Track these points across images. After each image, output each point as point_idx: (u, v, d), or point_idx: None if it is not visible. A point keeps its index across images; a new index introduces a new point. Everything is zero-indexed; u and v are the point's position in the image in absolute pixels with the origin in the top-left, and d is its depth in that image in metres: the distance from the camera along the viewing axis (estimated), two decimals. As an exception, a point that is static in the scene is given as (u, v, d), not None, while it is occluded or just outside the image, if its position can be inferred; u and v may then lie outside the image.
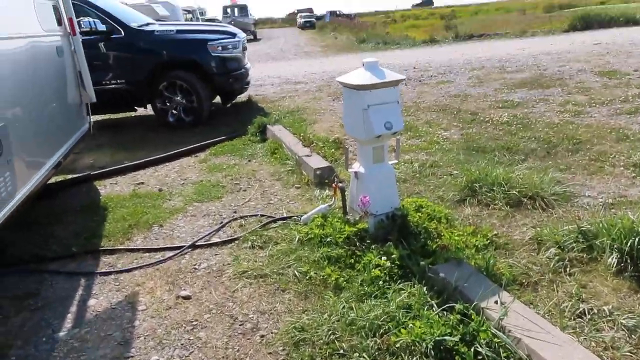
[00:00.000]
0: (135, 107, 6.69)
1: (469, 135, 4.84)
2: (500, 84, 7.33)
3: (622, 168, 3.61)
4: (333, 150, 4.64)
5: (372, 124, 2.54)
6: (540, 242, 2.62)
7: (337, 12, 53.83)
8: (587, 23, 17.20)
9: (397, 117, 2.60)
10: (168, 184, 4.26)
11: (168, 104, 6.26)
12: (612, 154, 3.90)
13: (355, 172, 2.78)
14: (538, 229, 2.77)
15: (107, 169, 4.66)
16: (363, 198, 2.62)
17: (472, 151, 4.34)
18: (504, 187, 3.23)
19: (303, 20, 46.90)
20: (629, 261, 2.24)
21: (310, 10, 55.22)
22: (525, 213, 3.03)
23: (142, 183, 4.32)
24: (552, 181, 3.31)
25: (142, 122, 7.02)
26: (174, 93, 6.21)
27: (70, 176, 4.52)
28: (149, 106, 6.53)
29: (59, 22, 3.69)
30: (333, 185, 2.95)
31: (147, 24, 6.53)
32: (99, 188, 4.28)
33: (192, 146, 5.25)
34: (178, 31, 6.37)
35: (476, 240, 2.63)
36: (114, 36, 5.97)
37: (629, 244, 2.25)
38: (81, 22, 5.09)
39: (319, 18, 48.83)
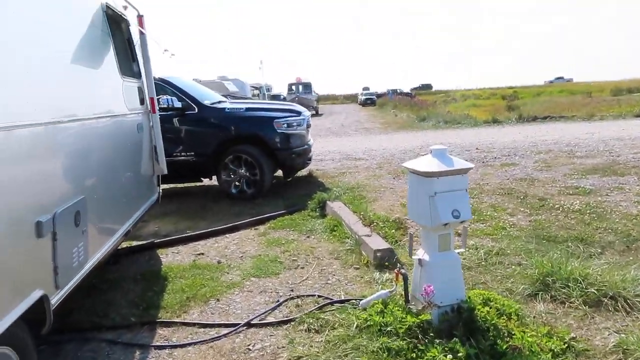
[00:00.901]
0: (202, 178, 6.97)
1: (537, 222, 4.60)
2: (569, 169, 7.06)
3: None
4: (394, 230, 4.55)
5: (439, 212, 2.46)
6: (626, 351, 2.35)
7: (398, 91, 55.32)
8: (660, 108, 16.58)
9: (465, 205, 2.52)
10: (227, 256, 4.29)
11: (232, 176, 6.48)
12: (703, 252, 3.55)
13: (420, 260, 2.68)
14: (623, 335, 2.50)
15: (170, 238, 4.78)
16: (427, 287, 2.50)
17: (542, 240, 4.11)
18: (580, 283, 2.99)
19: (364, 97, 48.53)
20: None
21: (367, 88, 57.33)
22: (606, 315, 2.77)
23: (202, 254, 4.38)
24: (635, 280, 3.03)
25: (205, 192, 7.26)
26: (239, 166, 6.43)
27: (134, 243, 4.67)
28: (213, 177, 6.79)
29: (142, 101, 3.99)
30: (395, 270, 2.84)
31: (219, 102, 6.95)
32: (160, 256, 4.38)
33: (252, 219, 5.33)
34: (247, 109, 6.71)
35: (552, 344, 2.40)
36: (188, 112, 6.38)
37: None
38: (160, 99, 5.49)
39: (379, 95, 50.27)
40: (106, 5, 3.46)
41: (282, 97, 34.17)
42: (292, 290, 3.45)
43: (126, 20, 3.86)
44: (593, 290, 2.92)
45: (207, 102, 6.62)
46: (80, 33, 2.90)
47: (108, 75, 3.34)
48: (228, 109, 6.65)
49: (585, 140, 10.20)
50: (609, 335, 2.56)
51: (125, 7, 3.82)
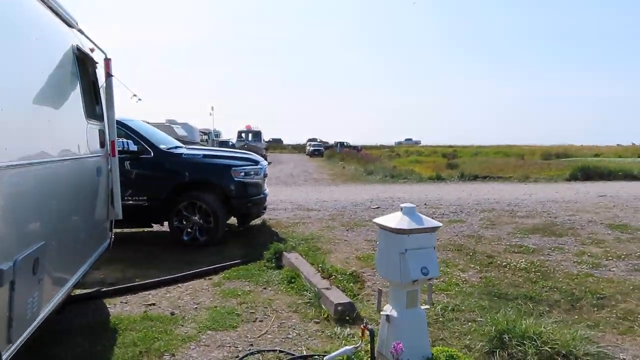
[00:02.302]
0: (152, 224, 6.75)
1: (488, 280, 4.77)
2: (512, 227, 7.42)
3: (653, 330, 3.50)
4: (352, 284, 4.57)
5: (409, 269, 2.53)
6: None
7: (345, 144, 56.73)
8: (587, 174, 17.92)
9: (434, 262, 2.61)
10: (181, 307, 4.12)
11: (185, 223, 6.32)
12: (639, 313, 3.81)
13: (387, 316, 2.70)
14: (579, 393, 2.60)
15: (119, 287, 4.55)
16: (396, 345, 2.51)
17: (494, 297, 4.25)
18: (535, 341, 3.09)
19: (312, 148, 49.32)
20: None
21: (314, 139, 58.83)
22: (553, 375, 2.87)
23: (154, 304, 4.19)
24: (583, 339, 3.18)
25: (154, 239, 7.02)
26: (193, 212, 6.30)
27: (78, 291, 4.40)
28: (164, 223, 6.60)
29: (102, 144, 3.89)
30: (362, 326, 2.84)
31: (176, 147, 6.87)
32: (108, 306, 4.14)
33: (206, 268, 5.19)
34: (205, 155, 6.67)
35: (515, 402, 2.46)
36: (143, 156, 6.25)
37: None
38: (115, 143, 5.36)
39: (327, 147, 51.28)
40: (77, 47, 3.42)
41: (230, 143, 34.12)
42: (251, 345, 3.35)
43: (93, 63, 3.81)
44: (547, 349, 3.02)
45: (163, 147, 6.52)
46: (50, 73, 2.83)
47: (74, 116, 3.25)
48: (185, 154, 6.58)
49: (524, 201, 10.81)
50: (564, 393, 2.65)
51: (92, 50, 3.79)
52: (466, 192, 13.09)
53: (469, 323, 3.66)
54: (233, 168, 6.50)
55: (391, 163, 30.63)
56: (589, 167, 18.50)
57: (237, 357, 3.14)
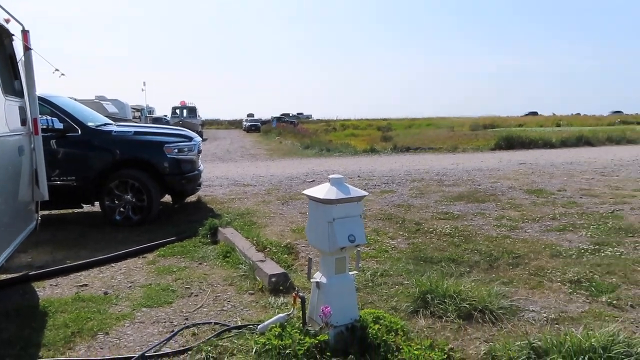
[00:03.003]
0: (82, 204, 6.52)
1: (415, 245, 5.05)
2: (439, 196, 7.82)
3: (559, 284, 3.87)
4: (286, 255, 4.68)
5: (337, 237, 2.65)
6: (494, 357, 2.70)
7: (282, 118, 56.40)
8: (510, 143, 19.05)
9: (360, 230, 2.74)
10: (114, 286, 4.07)
11: (117, 202, 6.16)
12: (549, 269, 4.19)
13: (317, 282, 2.83)
14: (491, 343, 2.87)
15: (48, 269, 4.40)
16: (325, 309, 2.65)
17: (420, 261, 4.52)
18: (455, 299, 3.36)
19: (249, 123, 48.75)
20: (579, 378, 2.36)
21: (251, 115, 58.14)
22: (476, 326, 3.14)
23: (86, 285, 4.11)
24: (498, 295, 3.48)
25: (85, 219, 6.79)
26: (125, 191, 6.15)
27: (4, 276, 4.23)
28: (96, 203, 6.40)
29: (23, 122, 3.70)
30: (293, 294, 2.96)
31: (105, 124, 6.61)
32: (37, 290, 4.01)
33: (140, 246, 5.11)
34: (136, 132, 6.47)
35: (434, 355, 2.67)
36: (69, 134, 5.97)
37: (578, 361, 2.38)
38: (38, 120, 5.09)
39: (264, 122, 50.82)
40: (-13, 18, 3.21)
41: (165, 120, 33.03)
42: (187, 319, 3.39)
43: (9, 35, 3.58)
44: (465, 305, 3.29)
45: (91, 124, 6.26)
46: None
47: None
48: (115, 132, 6.35)
49: (452, 170, 11.37)
50: (479, 344, 2.91)
51: (7, 21, 3.55)
52: (398, 164, 13.55)
53: (396, 286, 3.89)
54: (166, 145, 6.37)
55: (327, 137, 30.96)
56: (512, 137, 19.65)
57: (172, 331, 3.18)
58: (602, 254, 4.55)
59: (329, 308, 2.66)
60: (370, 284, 3.95)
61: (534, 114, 72.96)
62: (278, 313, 3.14)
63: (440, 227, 5.73)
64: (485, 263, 4.43)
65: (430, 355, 2.68)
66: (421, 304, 3.42)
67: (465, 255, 4.64)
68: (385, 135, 31.32)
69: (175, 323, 3.33)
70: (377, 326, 2.89)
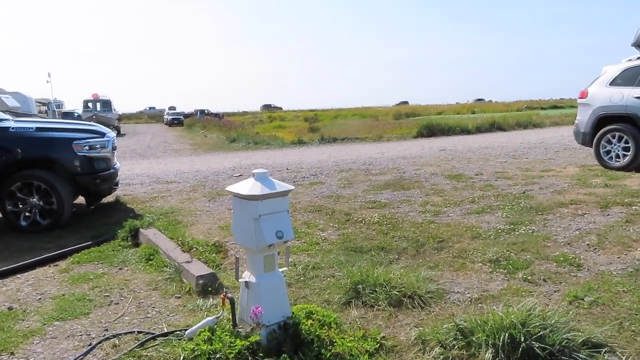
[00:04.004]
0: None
1: (345, 236, 5.06)
2: (367, 185, 7.92)
3: (480, 264, 4.03)
4: (214, 255, 4.50)
5: (264, 234, 2.55)
6: (424, 341, 2.74)
7: (206, 111, 54.92)
8: (431, 131, 19.81)
9: (288, 225, 2.66)
10: (20, 300, 3.71)
11: (21, 206, 5.64)
12: (471, 250, 4.35)
13: (246, 282, 2.72)
14: (421, 328, 2.91)
15: (-59, 286, 3.93)
16: (255, 309, 2.55)
17: (351, 251, 4.53)
18: (385, 287, 3.38)
19: (171, 117, 46.82)
20: (502, 355, 2.44)
21: (173, 108, 55.69)
22: (406, 312, 3.18)
23: (-13, 301, 3.71)
24: (425, 279, 3.55)
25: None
26: (30, 194, 5.64)
27: None
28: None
29: None
30: (221, 295, 2.83)
31: (0, 120, 6.00)
32: None
33: (50, 254, 4.71)
34: (38, 129, 5.92)
35: (367, 345, 2.67)
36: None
37: (501, 338, 2.47)
38: None
39: (187, 116, 49.19)
40: None
41: (76, 114, 30.94)
42: (106, 330, 3.14)
43: None
44: (395, 292, 3.32)
45: (-17, 121, 5.66)
46: None
47: None
48: (13, 128, 5.77)
49: (378, 159, 11.59)
50: (410, 330, 2.94)
51: None
52: (326, 154, 13.62)
53: (328, 279, 3.86)
54: (75, 141, 5.90)
55: (254, 129, 30.60)
56: (432, 125, 20.46)
57: (90, 344, 2.93)
58: (517, 233, 4.79)
59: (259, 308, 2.56)
60: (302, 278, 3.89)
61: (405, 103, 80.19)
62: (207, 316, 3.00)
63: (369, 216, 5.79)
64: (412, 249, 4.52)
65: (363, 345, 2.67)
66: (353, 294, 3.41)
67: (394, 243, 4.71)
68: (313, 127, 31.48)
69: (93, 335, 3.08)
70: (310, 321, 2.84)
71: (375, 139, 19.12)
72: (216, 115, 51.99)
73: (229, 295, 2.77)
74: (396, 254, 4.41)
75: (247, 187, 2.61)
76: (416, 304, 3.26)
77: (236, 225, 2.76)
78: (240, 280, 2.76)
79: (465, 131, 20.42)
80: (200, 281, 3.67)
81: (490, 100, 75.61)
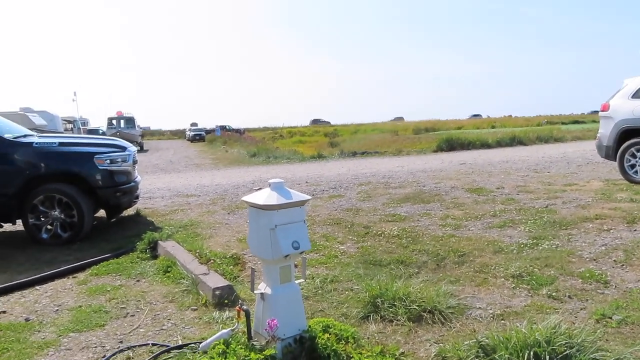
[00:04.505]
0: (1, 223, 6.01)
1: (364, 249, 4.98)
2: (386, 198, 7.83)
3: (502, 279, 3.90)
4: (232, 267, 4.47)
5: (280, 244, 2.50)
6: (445, 358, 2.64)
7: (227, 127, 55.58)
8: (451, 145, 19.64)
9: (304, 236, 2.61)
10: (38, 311, 3.72)
11: (43, 219, 5.72)
12: (492, 265, 4.22)
13: (262, 294, 2.67)
14: (441, 344, 2.81)
15: (-38, 297, 3.98)
16: (270, 322, 2.49)
17: (370, 264, 4.45)
18: (404, 301, 3.29)
19: (192, 133, 47.57)
20: (527, 374, 2.33)
21: (195, 124, 56.87)
22: (426, 328, 3.09)
23: (4, 312, 3.72)
24: (446, 294, 3.45)
25: (6, 240, 6.26)
26: (52, 207, 5.71)
27: None
28: (18, 221, 5.91)
29: None
30: (237, 307, 2.78)
31: (25, 136, 6.13)
32: (-52, 320, 3.60)
33: (69, 266, 4.74)
34: (61, 144, 6.02)
35: (386, 361, 2.59)
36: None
37: (525, 356, 2.36)
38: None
39: (208, 132, 49.86)
40: None
41: (101, 132, 31.61)
42: (121, 342, 3.12)
43: None
44: (415, 307, 3.23)
45: (8, 136, 5.78)
46: None
47: None
48: (37, 143, 5.88)
49: (397, 173, 11.48)
50: (430, 346, 2.85)
51: None
52: (345, 168, 13.57)
53: (346, 292, 3.78)
54: (96, 156, 5.98)
55: (274, 144, 30.81)
56: (452, 139, 20.30)
57: (104, 357, 2.91)
58: (540, 248, 4.65)
59: (275, 320, 2.50)
60: (320, 291, 3.83)
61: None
62: (222, 329, 2.95)
63: (388, 229, 5.70)
64: (432, 263, 4.42)
65: (382, 362, 2.58)
66: (371, 308, 3.33)
67: (414, 256, 4.61)
68: (332, 141, 31.55)
69: (107, 347, 3.06)
70: (326, 335, 2.76)
71: (395, 153, 19.01)
72: (237, 130, 52.53)
73: (245, 307, 2.72)
74: (416, 267, 4.31)
75: (263, 196, 2.58)
76: (436, 319, 3.16)
77: (252, 235, 2.72)
78: (255, 292, 2.71)
79: (485, 145, 20.18)
80: (217, 293, 3.63)
81: (488, 116, 74.78)
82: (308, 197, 2.70)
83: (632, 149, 7.87)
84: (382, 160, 16.07)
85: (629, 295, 3.43)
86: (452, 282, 3.89)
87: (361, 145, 23.97)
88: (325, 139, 36.17)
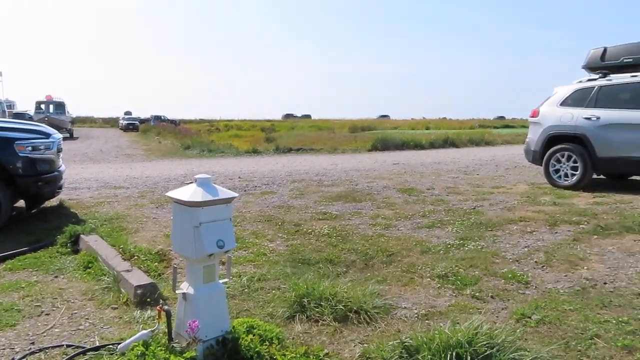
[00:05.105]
0: None
1: (294, 247, 4.99)
2: (319, 196, 7.89)
3: (428, 279, 4.04)
4: (156, 263, 4.33)
5: (204, 243, 2.44)
6: (368, 359, 2.69)
7: (162, 117, 53.79)
8: (385, 145, 20.13)
9: (230, 235, 2.57)
10: (-61, 310, 3.42)
11: (-49, 209, 5.27)
12: (420, 265, 4.36)
13: (184, 294, 2.59)
14: (366, 345, 2.86)
15: None
16: (192, 323, 2.43)
17: (298, 263, 4.45)
18: (331, 301, 3.32)
19: (126, 122, 45.83)
20: (447, 374, 2.42)
21: (129, 113, 54.46)
22: (352, 328, 3.13)
23: None
24: (372, 294, 3.51)
25: None
26: (-38, 196, 5.27)
27: None
28: None
29: None
30: (157, 307, 2.68)
31: None
32: None
33: (-22, 260, 4.40)
34: (-23, 127, 5.57)
35: (309, 362, 2.60)
36: None
37: (447, 358, 2.44)
38: None
39: (143, 121, 48.09)
40: None
41: (27, 116, 29.55)
42: (32, 344, 2.93)
43: None
44: (341, 307, 3.27)
45: None
46: None
47: None
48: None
49: (331, 171, 11.60)
50: (354, 346, 2.89)
51: None
52: (280, 164, 13.54)
53: (273, 291, 3.77)
54: (17, 142, 5.58)
55: (210, 137, 30.20)
56: (387, 139, 20.83)
57: (12, 359, 2.72)
58: (466, 248, 4.85)
59: (196, 322, 2.44)
60: (246, 290, 3.79)
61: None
62: (143, 329, 2.84)
63: (318, 227, 5.74)
64: (361, 262, 4.50)
65: (305, 362, 2.59)
66: (298, 308, 3.33)
67: (342, 255, 4.67)
68: (269, 137, 31.36)
69: (17, 349, 2.86)
70: (250, 336, 2.73)
71: (330, 151, 19.20)
72: (172, 121, 50.94)
73: (166, 307, 2.63)
74: (344, 266, 4.37)
75: (188, 192, 2.50)
76: (362, 319, 3.21)
77: (176, 232, 2.64)
78: (177, 291, 2.63)
79: (419, 146, 20.86)
80: (139, 291, 3.50)
81: (445, 117, 78.29)
82: (235, 194, 2.65)
83: (558, 155, 8.35)
84: (317, 158, 16.18)
85: (548, 295, 3.65)
86: (380, 281, 3.98)
87: (297, 141, 23.99)
88: (262, 134, 35.90)
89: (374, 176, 10.49)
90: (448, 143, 22.36)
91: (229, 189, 2.74)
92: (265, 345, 2.69)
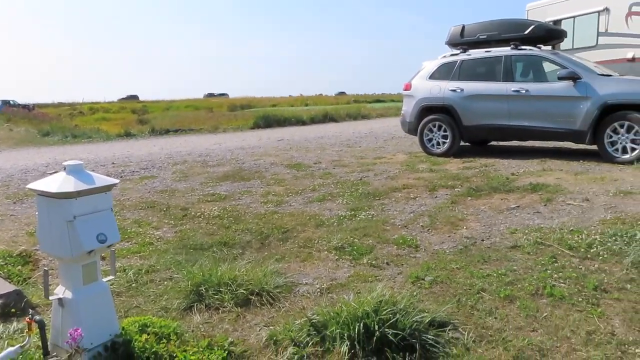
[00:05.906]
0: None
1: (183, 233, 4.65)
2: (204, 177, 7.50)
3: (326, 252, 3.99)
4: (20, 267, 3.73)
5: (80, 239, 2.08)
6: (277, 341, 2.55)
7: (11, 102, 47.60)
8: (267, 122, 19.92)
9: (112, 227, 2.23)
10: None
11: None
12: (316, 239, 4.30)
13: (59, 299, 2.21)
14: (272, 327, 2.72)
15: None
16: (73, 332, 2.07)
17: (190, 249, 4.14)
18: (230, 286, 3.12)
19: (-36, 108, 39.69)
20: (357, 347, 2.36)
21: None
22: (255, 311, 2.96)
23: None
24: (273, 273, 3.37)
25: None
26: None
27: None
28: None
29: None
30: (27, 319, 2.26)
31: None
32: None
33: None
34: None
35: (214, 355, 2.38)
36: None
37: (355, 329, 2.39)
38: None
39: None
40: None
41: None
42: None
43: None
44: (242, 291, 3.08)
45: None
46: None
47: None
48: None
49: (215, 150, 11.15)
50: (260, 330, 2.73)
51: None
52: (158, 147, 12.70)
53: (165, 282, 3.45)
54: None
55: (73, 122, 27.53)
56: (269, 116, 20.61)
57: None
58: (358, 219, 4.90)
59: (79, 330, 2.09)
60: (134, 285, 3.42)
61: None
62: (9, 346, 2.39)
63: (208, 210, 5.42)
64: (257, 242, 4.32)
65: (210, 357, 2.38)
66: (195, 297, 3.08)
67: (237, 237, 4.45)
68: (142, 119, 29.40)
69: None
70: (144, 336, 2.43)
71: (211, 130, 18.51)
72: (25, 106, 45.32)
73: (37, 317, 2.22)
74: (240, 248, 4.16)
75: (57, 183, 2.11)
76: (265, 301, 3.06)
77: (43, 230, 2.22)
78: (51, 297, 2.24)
79: (300, 122, 20.97)
80: (0, 301, 2.96)
81: (321, 94, 79.75)
82: (116, 180, 2.31)
83: (430, 125, 8.86)
84: (198, 138, 15.48)
85: (436, 256, 3.79)
86: (278, 260, 3.84)
87: (174, 122, 22.78)
88: (134, 116, 33.54)
89: (260, 153, 10.27)
90: (328, 118, 22.78)
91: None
92: (163, 343, 2.42)
